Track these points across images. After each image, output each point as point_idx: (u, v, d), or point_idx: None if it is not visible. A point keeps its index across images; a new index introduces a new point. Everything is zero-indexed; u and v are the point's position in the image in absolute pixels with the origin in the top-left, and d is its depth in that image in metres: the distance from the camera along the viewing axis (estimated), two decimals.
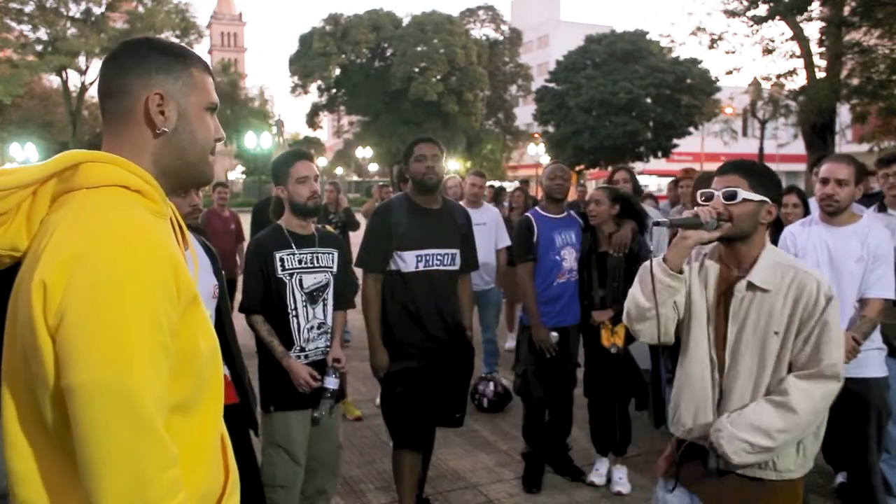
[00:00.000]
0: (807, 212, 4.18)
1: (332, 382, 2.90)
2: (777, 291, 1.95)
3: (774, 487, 2.00)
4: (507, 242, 5.59)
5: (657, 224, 2.13)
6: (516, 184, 10.71)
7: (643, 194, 6.05)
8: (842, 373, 1.92)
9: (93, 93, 43.30)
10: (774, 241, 3.34)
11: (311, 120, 45.44)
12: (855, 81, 14.59)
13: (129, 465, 1.02)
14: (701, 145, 35.13)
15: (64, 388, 1.02)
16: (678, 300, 2.06)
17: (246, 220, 6.79)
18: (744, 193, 1.97)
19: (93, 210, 1.10)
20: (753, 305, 1.97)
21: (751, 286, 1.98)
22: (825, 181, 2.98)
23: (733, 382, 1.99)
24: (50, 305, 1.03)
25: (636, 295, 2.07)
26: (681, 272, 1.99)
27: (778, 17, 14.85)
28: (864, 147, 18.61)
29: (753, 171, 2.03)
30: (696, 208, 1.99)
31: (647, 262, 2.04)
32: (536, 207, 4.18)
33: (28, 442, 1.11)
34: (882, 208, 3.66)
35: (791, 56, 16.04)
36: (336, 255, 3.05)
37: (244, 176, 48.95)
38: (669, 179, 7.07)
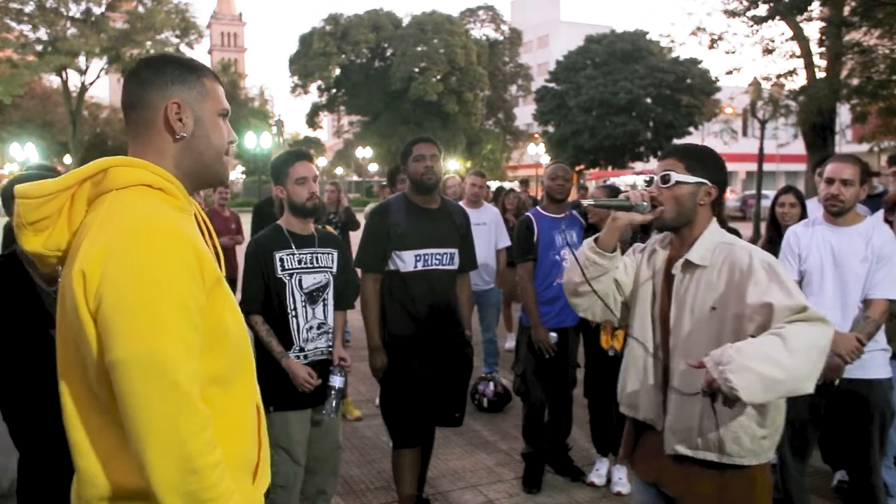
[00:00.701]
0: (804, 211, 4.19)
1: (338, 381, 2.90)
2: (712, 266, 1.95)
3: (724, 473, 1.94)
4: (507, 242, 5.59)
5: (587, 204, 2.19)
6: (516, 184, 10.69)
7: None
8: (821, 314, 1.80)
9: (93, 92, 43.42)
10: (777, 242, 3.34)
11: (311, 120, 45.46)
12: (855, 81, 14.56)
13: (168, 428, 1.15)
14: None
15: (107, 364, 1.17)
16: (621, 281, 2.12)
17: (246, 221, 6.79)
18: (677, 176, 1.98)
19: (120, 207, 1.25)
20: (692, 283, 1.98)
21: (688, 264, 1.99)
22: (830, 181, 2.97)
23: (678, 361, 1.98)
24: (89, 291, 1.17)
25: (570, 271, 2.15)
26: (613, 251, 2.05)
27: (778, 17, 14.82)
28: (865, 147, 18.61)
29: (690, 153, 2.04)
30: (630, 191, 2.07)
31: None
32: (537, 207, 4.18)
33: (83, 417, 1.26)
34: (894, 208, 3.66)
35: (791, 56, 16.02)
36: (336, 255, 3.05)
37: (244, 176, 49.00)
38: None
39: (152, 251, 1.19)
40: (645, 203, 1.99)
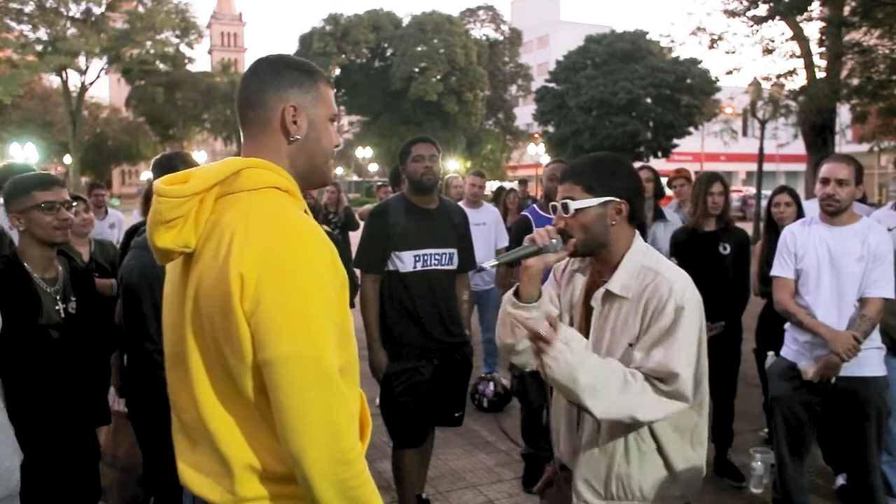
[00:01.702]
0: (800, 210, 4.20)
1: None
2: (633, 298, 1.77)
3: None
4: (507, 242, 5.59)
5: (490, 266, 1.86)
6: (516, 184, 10.68)
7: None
8: (688, 393, 1.69)
9: (93, 92, 43.41)
10: (774, 242, 3.34)
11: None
12: (855, 81, 14.56)
13: (325, 420, 1.23)
14: (701, 145, 35.12)
15: (262, 361, 1.23)
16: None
17: None
18: (575, 203, 1.79)
19: (262, 210, 1.30)
20: (612, 314, 1.81)
21: (609, 294, 1.81)
22: (825, 181, 2.98)
23: None
24: (247, 293, 1.22)
25: (499, 332, 1.91)
26: (537, 300, 1.81)
27: (778, 17, 14.82)
28: (864, 147, 18.61)
29: (586, 172, 1.83)
30: (534, 232, 1.83)
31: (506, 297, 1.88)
32: (535, 206, 4.17)
33: (225, 408, 1.32)
34: None
35: (791, 56, 16.03)
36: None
37: None
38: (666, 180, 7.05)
39: (304, 254, 1.25)
40: (554, 240, 1.78)
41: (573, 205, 1.80)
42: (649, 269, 1.79)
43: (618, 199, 1.80)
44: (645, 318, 1.75)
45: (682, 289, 1.75)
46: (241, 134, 1.45)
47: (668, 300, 1.72)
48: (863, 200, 5.02)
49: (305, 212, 1.44)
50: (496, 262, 1.86)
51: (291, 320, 1.21)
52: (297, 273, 1.23)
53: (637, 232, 1.88)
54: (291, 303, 1.22)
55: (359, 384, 1.49)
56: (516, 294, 1.84)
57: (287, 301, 1.22)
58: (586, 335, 1.83)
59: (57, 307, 2.41)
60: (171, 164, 2.49)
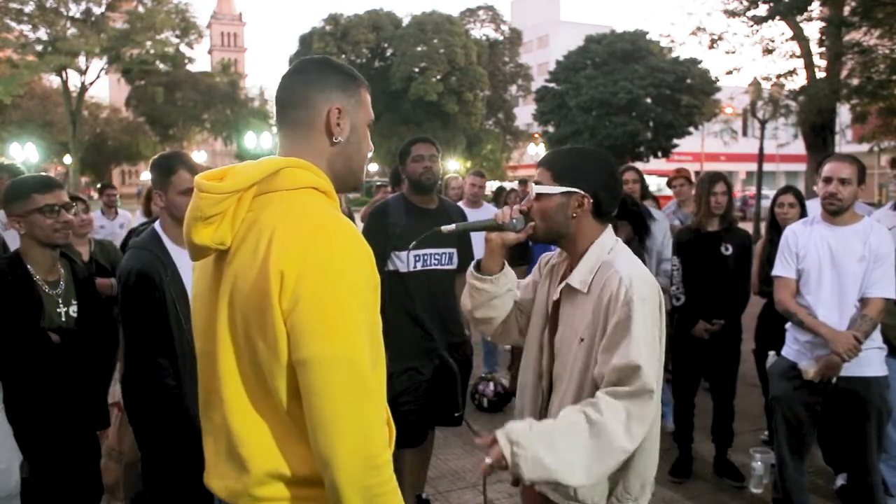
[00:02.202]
0: (803, 211, 4.19)
1: None
2: (592, 293, 1.76)
3: None
4: None
5: (446, 230, 1.92)
6: (515, 184, 10.69)
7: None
8: (652, 385, 1.63)
9: (93, 92, 43.38)
10: (777, 242, 3.34)
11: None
12: (855, 81, 14.55)
13: (357, 423, 1.22)
14: (701, 145, 35.12)
15: (296, 361, 1.22)
16: (522, 300, 1.99)
17: None
18: (540, 188, 1.80)
19: (301, 210, 1.29)
20: (570, 309, 1.81)
21: (569, 288, 1.81)
22: (828, 180, 2.98)
23: (555, 393, 1.84)
24: (286, 292, 1.21)
25: (462, 301, 2.03)
26: (496, 273, 1.90)
27: (778, 17, 14.81)
28: (864, 147, 18.61)
29: (559, 160, 1.83)
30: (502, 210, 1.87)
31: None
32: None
33: (250, 407, 1.31)
34: None
35: (791, 56, 16.01)
36: None
37: None
38: (666, 180, 7.06)
39: (344, 255, 1.25)
40: (514, 220, 1.82)
41: (536, 189, 1.81)
42: (608, 264, 1.76)
43: (580, 192, 1.77)
44: (602, 313, 1.72)
45: (630, 278, 1.69)
46: (279, 132, 1.45)
47: (619, 292, 1.68)
48: None
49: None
50: (453, 227, 1.90)
51: (328, 321, 1.21)
52: (336, 274, 1.23)
53: (608, 228, 1.84)
54: (329, 304, 1.21)
55: (385, 381, 1.47)
56: (477, 265, 1.93)
57: (325, 302, 1.21)
58: (555, 326, 1.86)
59: (59, 309, 2.41)
60: (169, 164, 2.49)
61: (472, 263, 1.95)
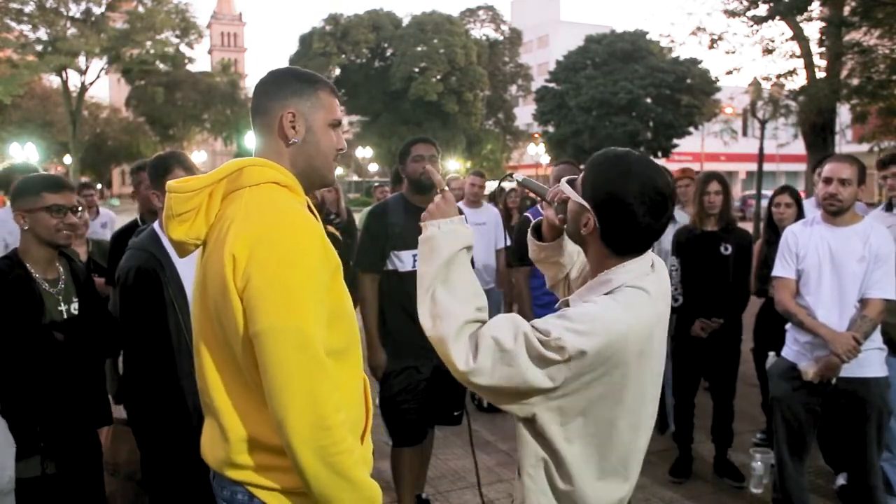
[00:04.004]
0: (800, 211, 4.19)
1: None
2: None
3: None
4: (508, 242, 5.59)
5: (517, 180, 1.82)
6: (515, 184, 10.64)
7: None
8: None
9: (93, 92, 43.37)
10: (775, 243, 3.34)
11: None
12: (855, 81, 14.54)
13: (306, 389, 1.32)
14: (701, 145, 35.12)
15: (252, 334, 1.34)
16: (573, 279, 1.80)
17: None
18: (565, 186, 1.57)
19: (260, 200, 1.42)
20: None
21: (566, 304, 1.59)
22: (828, 180, 2.97)
23: None
24: (238, 272, 1.34)
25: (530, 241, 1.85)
26: (552, 241, 1.76)
27: (778, 17, 14.81)
28: (864, 147, 18.60)
29: (595, 161, 1.55)
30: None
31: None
32: (537, 206, 4.17)
33: (225, 384, 1.45)
34: (889, 207, 3.68)
35: (791, 56, 16.00)
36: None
37: None
38: None
39: (293, 238, 1.36)
40: (556, 205, 1.62)
41: (561, 185, 1.59)
42: (591, 296, 1.51)
43: (588, 208, 1.50)
44: None
45: (581, 332, 1.39)
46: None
47: (561, 329, 1.40)
48: None
49: (310, 209, 1.54)
50: (521, 178, 1.80)
51: (277, 295, 1.32)
52: (284, 253, 1.34)
53: (627, 264, 1.50)
54: (277, 279, 1.33)
55: (361, 367, 1.59)
56: (538, 228, 1.79)
57: (273, 278, 1.33)
58: None
59: (59, 308, 2.41)
60: (165, 163, 2.50)
61: (532, 224, 1.83)
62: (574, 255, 1.80)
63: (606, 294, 1.48)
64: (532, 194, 1.87)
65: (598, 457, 1.52)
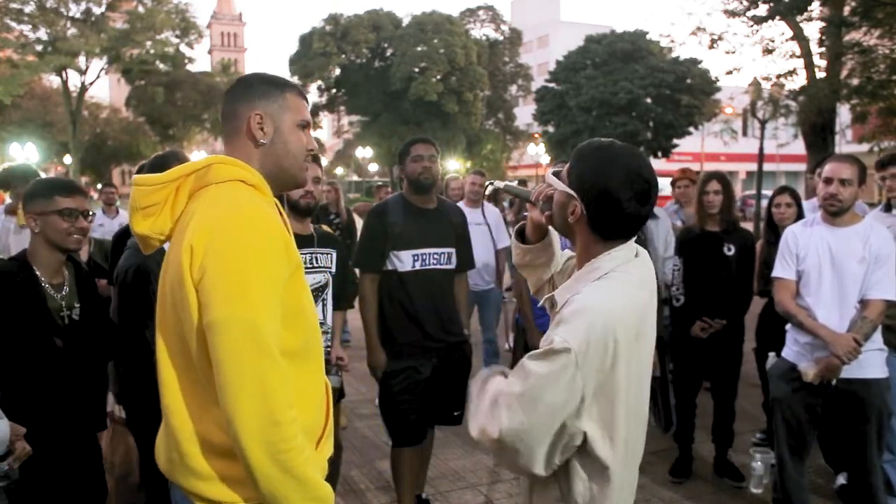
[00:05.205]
0: (800, 211, 4.19)
1: (335, 381, 2.91)
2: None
3: None
4: (508, 242, 5.59)
5: (500, 187, 1.96)
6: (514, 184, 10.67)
7: None
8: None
9: (93, 92, 43.33)
10: (775, 243, 3.34)
11: (311, 120, 45.43)
12: (855, 81, 14.54)
13: (256, 382, 1.30)
14: (701, 145, 35.10)
15: (205, 324, 1.33)
16: (559, 272, 1.79)
17: None
18: (550, 178, 1.61)
19: (222, 197, 1.43)
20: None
21: (551, 301, 1.60)
22: (828, 181, 2.97)
23: None
24: (195, 263, 1.34)
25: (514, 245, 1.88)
26: (536, 243, 1.76)
27: (778, 17, 14.81)
28: (864, 147, 18.59)
29: (578, 153, 1.58)
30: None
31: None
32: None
33: (178, 380, 1.44)
34: (888, 208, 3.68)
35: (791, 56, 16.00)
36: (335, 255, 3.05)
37: None
38: (668, 180, 7.06)
39: (250, 232, 1.36)
40: (542, 202, 1.65)
41: (548, 177, 1.63)
42: (579, 286, 1.52)
43: (575, 196, 1.53)
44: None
45: (577, 326, 1.41)
46: None
47: (557, 334, 1.42)
48: None
49: (278, 210, 1.55)
50: (502, 185, 1.91)
51: (230, 286, 1.32)
52: (242, 248, 1.34)
53: (615, 250, 1.53)
54: (232, 271, 1.33)
55: (322, 370, 1.58)
56: (521, 232, 1.81)
57: (228, 269, 1.33)
58: None
59: (62, 313, 2.41)
60: (164, 163, 2.50)
61: (516, 228, 1.84)
62: (559, 257, 1.80)
63: (595, 282, 1.51)
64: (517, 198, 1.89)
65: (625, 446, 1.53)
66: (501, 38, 46.76)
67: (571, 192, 1.53)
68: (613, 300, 1.46)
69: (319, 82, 42.59)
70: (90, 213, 2.47)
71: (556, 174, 1.63)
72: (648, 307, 1.57)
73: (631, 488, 1.60)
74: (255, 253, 1.35)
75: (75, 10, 36.40)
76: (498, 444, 1.47)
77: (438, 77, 39.84)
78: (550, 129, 34.21)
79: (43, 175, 3.88)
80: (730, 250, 3.97)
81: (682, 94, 29.78)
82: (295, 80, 42.20)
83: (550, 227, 1.72)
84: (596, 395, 1.43)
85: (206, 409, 1.39)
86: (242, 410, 1.29)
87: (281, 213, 1.56)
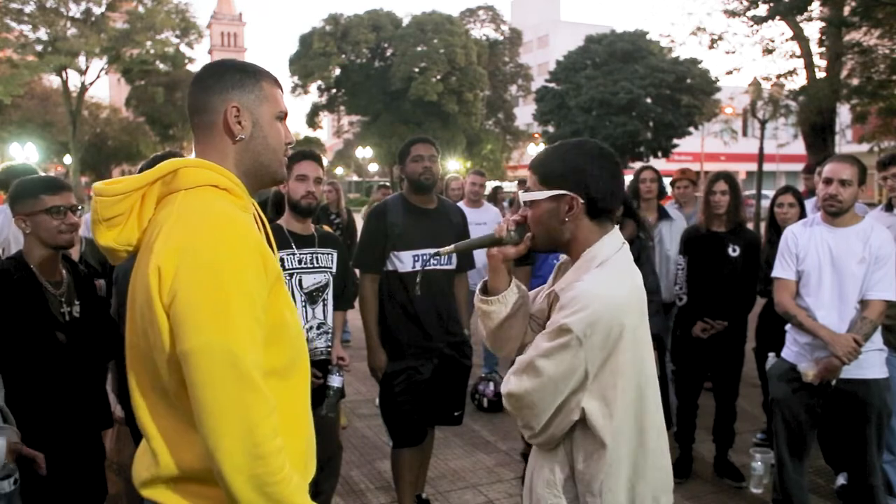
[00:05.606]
0: (803, 211, 4.19)
1: (336, 381, 2.92)
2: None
3: None
4: None
5: (445, 252, 1.79)
6: (515, 184, 10.70)
7: None
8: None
9: (93, 92, 43.37)
10: (777, 243, 3.34)
11: (311, 120, 45.40)
12: (855, 81, 14.57)
13: (238, 413, 1.20)
14: (701, 145, 35.11)
15: (179, 353, 1.22)
16: (536, 312, 1.81)
17: None
18: (528, 195, 1.67)
19: (192, 206, 1.30)
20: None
21: (554, 296, 1.65)
22: (828, 181, 2.96)
23: None
24: (164, 286, 1.23)
25: (478, 325, 1.86)
26: (503, 291, 1.75)
27: (778, 17, 14.82)
28: (864, 147, 18.60)
29: (542, 162, 1.68)
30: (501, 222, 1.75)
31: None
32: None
33: (149, 404, 1.33)
34: (889, 207, 3.68)
35: (791, 56, 16.02)
36: (335, 255, 3.05)
37: None
38: (668, 180, 7.05)
39: (223, 249, 1.24)
40: (512, 232, 1.69)
41: (524, 197, 1.68)
42: (580, 275, 1.60)
43: (569, 194, 1.61)
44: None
45: (579, 309, 1.51)
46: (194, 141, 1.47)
47: (560, 318, 1.53)
48: None
49: (257, 213, 1.46)
50: (451, 249, 1.77)
51: (205, 313, 1.21)
52: (215, 268, 1.22)
53: (611, 232, 1.66)
54: (206, 296, 1.21)
55: (308, 387, 1.46)
56: (484, 287, 1.80)
57: (202, 294, 1.21)
58: None
59: (63, 310, 2.42)
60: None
61: (479, 286, 1.83)
62: (531, 307, 1.81)
63: (596, 269, 1.59)
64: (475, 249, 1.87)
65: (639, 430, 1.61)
66: (501, 38, 46.75)
67: (563, 191, 1.61)
68: (619, 285, 1.58)
69: (319, 82, 42.60)
70: (78, 207, 2.47)
71: (526, 191, 1.70)
72: (643, 292, 1.67)
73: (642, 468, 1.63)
74: (230, 272, 1.23)
75: (75, 10, 36.39)
76: (508, 400, 1.64)
77: (438, 77, 39.84)
78: (550, 129, 34.22)
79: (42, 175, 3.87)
80: (734, 251, 3.97)
81: (682, 94, 29.80)
82: (295, 80, 42.37)
83: (514, 282, 1.77)
84: (598, 374, 1.54)
85: (183, 435, 1.30)
86: (225, 446, 1.20)
87: (260, 217, 1.47)
